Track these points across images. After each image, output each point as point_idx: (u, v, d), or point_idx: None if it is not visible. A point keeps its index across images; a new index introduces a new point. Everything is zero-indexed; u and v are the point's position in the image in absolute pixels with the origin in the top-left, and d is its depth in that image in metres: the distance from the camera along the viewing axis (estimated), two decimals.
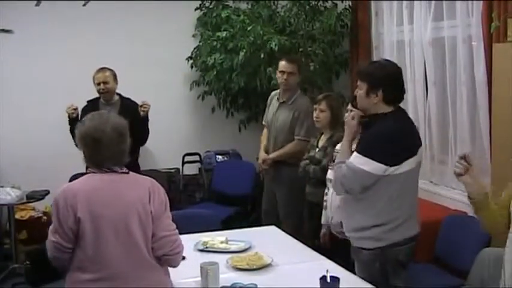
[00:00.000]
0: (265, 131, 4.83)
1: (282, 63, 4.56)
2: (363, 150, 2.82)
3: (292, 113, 4.54)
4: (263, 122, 4.91)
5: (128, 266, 2.42)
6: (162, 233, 2.48)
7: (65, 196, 2.41)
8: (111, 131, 2.45)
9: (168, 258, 2.52)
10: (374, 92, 2.86)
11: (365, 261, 2.91)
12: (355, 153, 2.84)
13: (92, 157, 2.48)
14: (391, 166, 2.80)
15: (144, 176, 2.61)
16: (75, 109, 4.58)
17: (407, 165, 2.84)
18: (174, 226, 2.54)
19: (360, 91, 2.91)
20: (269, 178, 4.77)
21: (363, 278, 2.86)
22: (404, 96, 4.93)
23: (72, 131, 4.57)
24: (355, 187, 2.86)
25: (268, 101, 4.84)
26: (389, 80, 2.90)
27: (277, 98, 4.70)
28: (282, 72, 4.54)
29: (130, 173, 2.55)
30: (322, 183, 3.89)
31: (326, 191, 3.66)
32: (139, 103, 4.65)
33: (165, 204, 2.53)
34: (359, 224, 2.92)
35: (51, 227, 2.45)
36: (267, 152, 4.71)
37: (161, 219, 2.49)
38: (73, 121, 4.57)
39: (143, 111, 4.58)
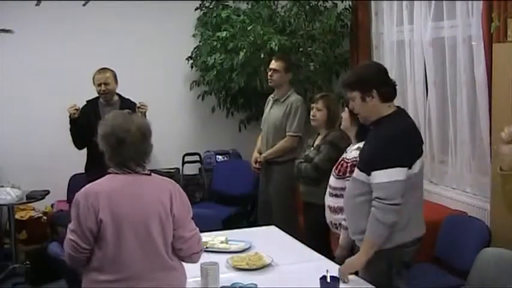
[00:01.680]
0: (261, 133, 4.90)
1: (271, 61, 4.74)
2: (387, 162, 2.72)
3: (283, 110, 4.63)
4: (261, 126, 4.95)
5: (147, 267, 2.42)
6: (190, 234, 2.52)
7: (86, 196, 2.40)
8: (136, 131, 2.44)
9: (197, 255, 2.57)
10: (369, 94, 2.82)
11: (371, 262, 2.86)
12: (379, 172, 2.72)
13: (114, 157, 2.46)
14: (408, 169, 2.76)
15: (165, 178, 2.60)
16: (77, 109, 4.56)
17: (417, 166, 2.81)
18: (194, 224, 2.58)
19: (355, 101, 2.87)
20: (263, 178, 4.80)
21: (364, 279, 2.84)
22: (404, 96, 5.04)
23: (72, 131, 4.59)
24: (400, 200, 2.74)
25: (265, 104, 4.91)
26: (377, 77, 2.87)
27: (272, 97, 4.80)
28: (269, 69, 4.71)
29: (153, 174, 2.54)
30: (314, 181, 3.89)
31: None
32: (138, 104, 4.65)
33: (187, 205, 2.56)
34: (365, 226, 2.84)
35: (69, 226, 2.44)
36: (260, 153, 4.77)
37: (187, 221, 2.52)
38: (74, 121, 4.57)
39: (141, 112, 4.57)
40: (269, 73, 4.69)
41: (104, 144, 2.46)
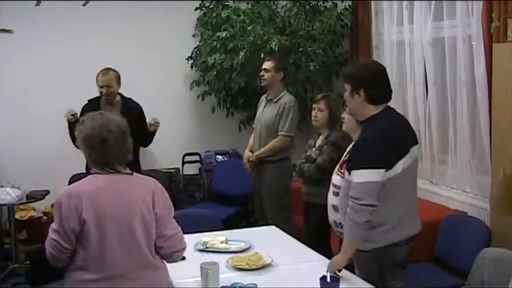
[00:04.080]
0: (253, 132, 4.91)
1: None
2: (361, 163, 2.75)
3: (276, 110, 4.63)
4: (253, 126, 4.95)
5: (131, 266, 2.43)
6: (171, 232, 2.53)
7: (69, 197, 2.40)
8: (117, 130, 2.46)
9: (178, 254, 2.59)
10: (356, 92, 2.86)
11: (362, 262, 2.90)
12: (354, 172, 2.77)
13: (99, 158, 2.47)
14: (387, 170, 2.76)
15: (147, 177, 2.61)
16: (74, 115, 4.55)
17: (399, 167, 2.80)
18: (176, 223, 2.59)
19: (346, 93, 2.93)
20: (255, 178, 4.81)
21: (361, 277, 2.86)
22: (404, 96, 5.04)
23: (71, 135, 4.58)
24: (373, 201, 2.75)
25: (258, 104, 4.91)
26: (369, 80, 2.87)
27: (265, 97, 4.80)
28: (262, 69, 4.72)
29: (134, 174, 2.56)
30: (317, 182, 3.89)
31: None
32: (150, 120, 4.68)
33: (169, 204, 2.56)
34: None
35: (52, 225, 2.45)
36: (252, 151, 4.77)
37: (169, 220, 2.54)
38: (72, 125, 4.55)
39: (153, 129, 4.67)
40: (261, 73, 4.70)
41: (87, 147, 2.47)
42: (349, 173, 2.83)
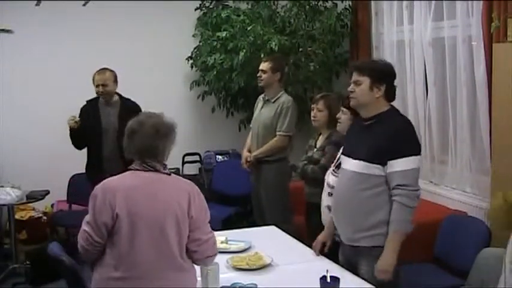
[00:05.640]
0: (251, 132, 4.90)
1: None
2: (408, 150, 2.81)
3: (274, 110, 4.62)
4: (250, 125, 4.94)
5: (159, 266, 2.42)
6: (205, 236, 2.53)
7: (104, 191, 2.42)
8: (150, 127, 2.48)
9: (211, 258, 2.59)
10: (377, 86, 2.88)
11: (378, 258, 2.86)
12: (400, 160, 2.78)
13: (125, 148, 2.51)
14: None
15: (184, 179, 2.62)
16: (77, 122, 4.53)
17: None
18: (210, 228, 2.59)
19: (361, 86, 2.90)
20: (254, 178, 4.80)
21: (365, 280, 2.84)
22: (404, 96, 5.04)
23: (71, 136, 4.57)
24: (419, 186, 2.87)
25: (255, 104, 4.90)
26: (390, 76, 2.96)
27: (263, 97, 4.79)
28: (259, 70, 4.71)
29: (172, 175, 2.57)
30: (321, 183, 3.88)
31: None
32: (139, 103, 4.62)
33: (205, 208, 2.57)
34: (376, 220, 2.85)
35: (86, 217, 2.46)
36: (250, 151, 4.77)
37: (204, 223, 2.54)
38: (74, 131, 4.54)
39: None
40: (258, 74, 4.69)
41: (125, 136, 2.53)
42: (383, 164, 2.81)
